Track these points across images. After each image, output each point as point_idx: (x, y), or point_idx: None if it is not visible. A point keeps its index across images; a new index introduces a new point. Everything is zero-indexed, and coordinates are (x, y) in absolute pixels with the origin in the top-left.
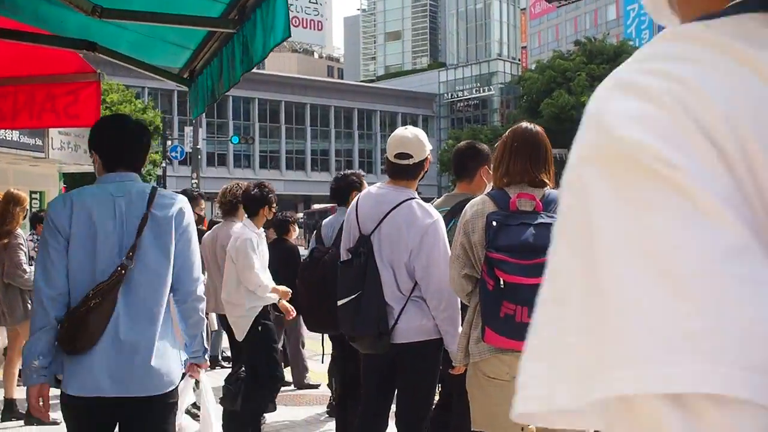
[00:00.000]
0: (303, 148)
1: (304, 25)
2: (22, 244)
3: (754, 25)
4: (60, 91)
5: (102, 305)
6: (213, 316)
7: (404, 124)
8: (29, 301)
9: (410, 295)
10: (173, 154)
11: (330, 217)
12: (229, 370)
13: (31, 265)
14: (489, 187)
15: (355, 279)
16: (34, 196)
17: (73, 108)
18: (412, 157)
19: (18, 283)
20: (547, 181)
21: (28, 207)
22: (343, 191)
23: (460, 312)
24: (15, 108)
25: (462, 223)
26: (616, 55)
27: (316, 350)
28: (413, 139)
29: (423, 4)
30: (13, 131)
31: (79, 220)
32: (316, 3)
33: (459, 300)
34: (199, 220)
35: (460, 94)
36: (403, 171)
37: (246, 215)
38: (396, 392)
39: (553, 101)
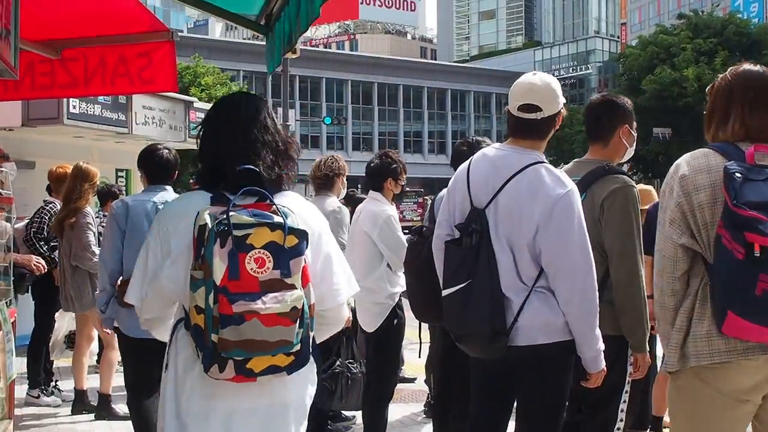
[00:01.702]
0: (396, 129)
1: (397, 6)
2: (90, 224)
3: None
4: (132, 53)
5: None
6: None
7: (498, 105)
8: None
9: (534, 284)
10: None
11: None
12: None
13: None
14: (630, 152)
15: (465, 264)
16: (120, 174)
17: (148, 72)
18: (540, 110)
19: (86, 266)
20: None
21: (98, 183)
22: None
23: (598, 307)
24: (86, 73)
25: (678, 180)
26: (723, 28)
27: (413, 339)
28: (543, 86)
29: None
30: (95, 105)
31: (132, 219)
32: None
33: (597, 293)
34: None
35: (556, 73)
36: (528, 127)
37: (371, 189)
38: (514, 408)
39: (655, 78)
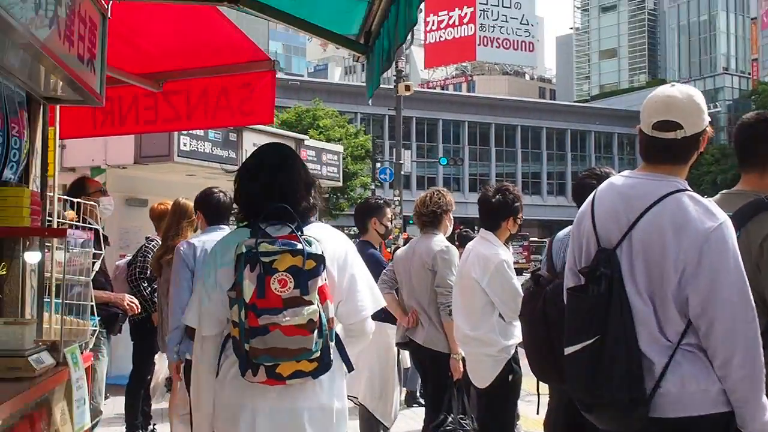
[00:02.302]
0: (513, 170)
1: (515, 47)
2: None
3: None
4: (234, 85)
5: None
6: (405, 353)
7: (621, 144)
8: None
9: (681, 341)
10: (382, 176)
11: (567, 228)
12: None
13: None
14: None
15: (592, 316)
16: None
17: (248, 104)
18: (681, 127)
19: None
20: None
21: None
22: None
23: (764, 369)
24: (189, 106)
25: None
26: None
27: (531, 390)
28: (684, 99)
29: (641, 19)
30: (205, 143)
31: (199, 259)
32: (528, 24)
33: (762, 350)
34: (386, 233)
35: None
36: (666, 149)
37: (484, 227)
38: None
39: None
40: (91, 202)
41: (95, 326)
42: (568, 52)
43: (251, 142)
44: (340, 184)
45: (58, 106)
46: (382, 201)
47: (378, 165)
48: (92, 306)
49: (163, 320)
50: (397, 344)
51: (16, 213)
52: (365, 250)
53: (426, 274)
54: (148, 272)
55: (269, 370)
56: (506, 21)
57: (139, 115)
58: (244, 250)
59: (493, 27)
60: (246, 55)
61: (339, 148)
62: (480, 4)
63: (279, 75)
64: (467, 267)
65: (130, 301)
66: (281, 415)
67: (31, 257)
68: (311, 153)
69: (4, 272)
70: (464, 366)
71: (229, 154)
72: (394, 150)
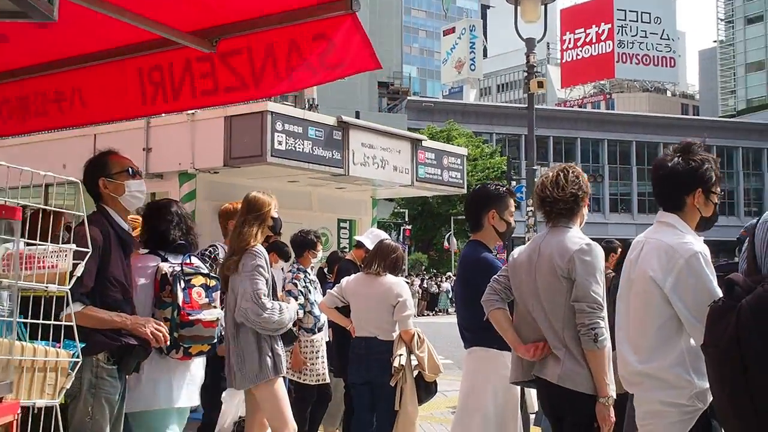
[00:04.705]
0: None
1: (656, 63)
2: (261, 267)
3: None
4: (304, 37)
5: None
6: (533, 393)
7: None
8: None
9: None
10: (518, 194)
11: None
12: None
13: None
14: None
15: None
16: (342, 225)
17: (331, 56)
18: None
19: (251, 323)
20: None
21: (272, 215)
22: None
23: None
24: (254, 69)
25: None
26: None
27: None
28: None
29: None
30: (305, 141)
31: None
32: (668, 39)
33: None
34: (507, 232)
35: None
36: None
37: (663, 208)
38: None
39: None
40: (62, 177)
41: (78, 357)
42: (711, 67)
43: (359, 141)
44: (464, 190)
45: None
46: (504, 189)
47: (513, 184)
48: (69, 328)
49: (230, 349)
50: (514, 383)
51: None
52: (476, 253)
53: (559, 284)
54: None
55: (185, 350)
56: (645, 36)
57: (195, 85)
58: (167, 271)
59: (632, 43)
60: None
61: (463, 150)
62: (618, 20)
63: (413, 98)
64: (641, 265)
65: (156, 329)
66: (178, 379)
67: None
68: (430, 155)
69: None
70: (617, 414)
71: (333, 154)
72: (533, 167)
